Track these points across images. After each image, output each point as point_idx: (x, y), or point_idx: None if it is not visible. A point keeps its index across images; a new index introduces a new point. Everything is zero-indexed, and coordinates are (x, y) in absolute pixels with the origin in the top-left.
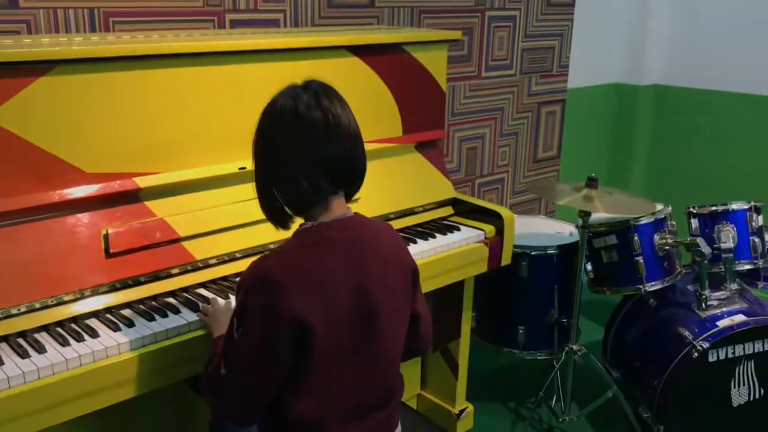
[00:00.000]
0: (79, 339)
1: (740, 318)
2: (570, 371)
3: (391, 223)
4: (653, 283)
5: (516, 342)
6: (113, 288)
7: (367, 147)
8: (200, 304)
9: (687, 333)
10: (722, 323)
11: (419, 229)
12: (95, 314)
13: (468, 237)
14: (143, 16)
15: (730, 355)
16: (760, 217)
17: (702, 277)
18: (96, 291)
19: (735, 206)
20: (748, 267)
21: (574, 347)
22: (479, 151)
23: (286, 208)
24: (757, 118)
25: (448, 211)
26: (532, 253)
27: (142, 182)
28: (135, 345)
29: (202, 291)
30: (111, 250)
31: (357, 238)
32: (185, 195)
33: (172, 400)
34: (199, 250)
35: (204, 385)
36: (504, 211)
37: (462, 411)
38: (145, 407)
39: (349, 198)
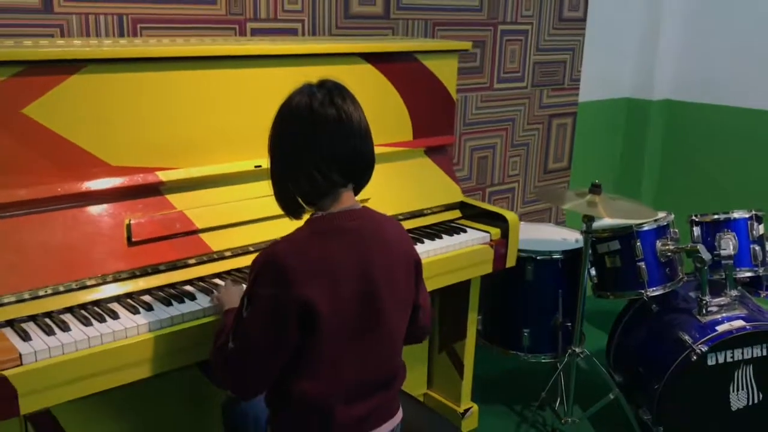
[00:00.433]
0: (101, 320)
1: (739, 323)
2: (573, 373)
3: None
4: (655, 289)
5: (521, 345)
6: (133, 275)
7: (378, 150)
8: (215, 291)
9: (687, 337)
10: (721, 328)
11: (427, 230)
12: (117, 299)
13: (474, 238)
14: (169, 22)
15: (729, 360)
16: (761, 226)
17: (703, 284)
18: (117, 277)
19: (736, 215)
20: (748, 274)
21: (577, 350)
22: (490, 160)
23: (299, 199)
24: (765, 133)
25: (456, 214)
26: (538, 257)
27: (164, 176)
28: (153, 327)
29: (217, 281)
30: (133, 239)
31: (364, 228)
32: (204, 190)
33: (186, 382)
34: (216, 242)
35: (212, 356)
36: (509, 215)
37: (467, 410)
38: (160, 389)
39: (358, 191)
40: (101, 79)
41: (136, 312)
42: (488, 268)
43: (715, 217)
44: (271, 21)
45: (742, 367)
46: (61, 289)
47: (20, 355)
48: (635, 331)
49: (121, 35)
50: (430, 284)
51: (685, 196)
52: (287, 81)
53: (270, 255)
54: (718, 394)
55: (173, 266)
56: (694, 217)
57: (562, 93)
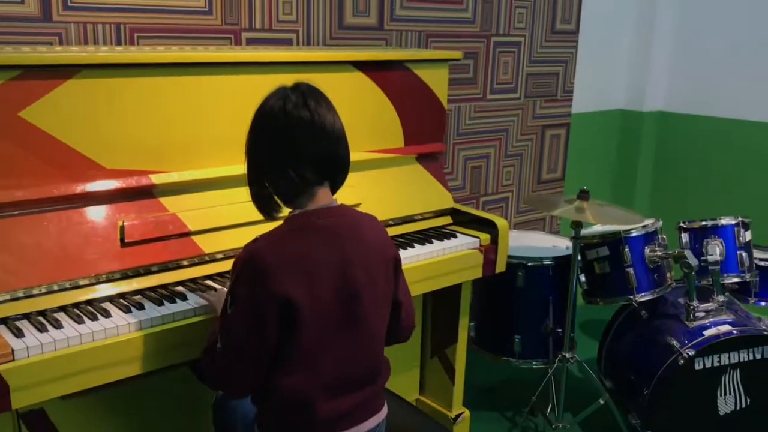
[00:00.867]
0: (94, 318)
1: (726, 328)
2: (563, 379)
3: (390, 229)
4: (643, 294)
5: (512, 351)
6: (126, 276)
7: (370, 156)
8: (208, 293)
9: (675, 342)
10: (708, 332)
11: (417, 235)
12: (109, 299)
13: (464, 243)
14: (166, 32)
15: (716, 364)
16: (748, 233)
17: (690, 289)
18: (111, 278)
19: (723, 221)
20: (735, 280)
21: (567, 355)
22: (484, 170)
23: (276, 199)
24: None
25: (447, 220)
26: (529, 264)
27: (157, 179)
28: (144, 325)
29: (209, 282)
30: (126, 240)
31: (340, 225)
32: (197, 193)
33: (178, 382)
34: (208, 244)
35: (203, 357)
36: (499, 220)
37: (458, 416)
38: (152, 389)
39: (334, 190)
40: (96, 83)
41: (128, 311)
42: (478, 273)
43: (703, 223)
44: (266, 31)
45: (729, 371)
46: (56, 288)
47: (12, 350)
48: (625, 337)
49: (119, 44)
50: (420, 288)
51: (677, 206)
52: None
53: (249, 253)
54: (706, 398)
55: (166, 267)
56: (682, 224)
57: (556, 104)
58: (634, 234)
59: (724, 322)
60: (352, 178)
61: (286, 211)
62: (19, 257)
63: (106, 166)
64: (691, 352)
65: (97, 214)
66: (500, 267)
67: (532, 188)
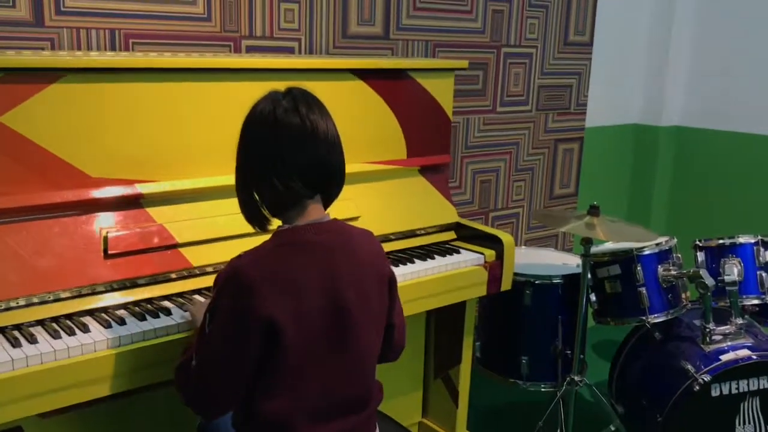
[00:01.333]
0: (71, 333)
1: (745, 352)
2: (572, 403)
3: (391, 244)
4: (656, 315)
5: (519, 372)
6: (111, 288)
7: (370, 168)
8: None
9: (690, 366)
10: (726, 357)
11: (419, 250)
12: (90, 312)
13: (467, 260)
14: (162, 38)
15: (734, 391)
16: None
17: (706, 311)
18: (93, 290)
19: (742, 240)
20: (755, 302)
21: (576, 378)
22: (493, 184)
23: (263, 211)
24: None
25: (451, 235)
26: (537, 282)
27: (144, 189)
28: (124, 341)
29: (197, 297)
30: (110, 252)
31: (332, 242)
32: (186, 203)
33: (163, 399)
34: (196, 257)
35: (175, 374)
36: (504, 236)
37: None
38: (137, 405)
39: (328, 203)
40: (82, 89)
41: (108, 326)
42: (482, 291)
43: (720, 241)
44: (267, 39)
45: (749, 399)
46: (35, 300)
47: None
48: (638, 360)
49: (113, 51)
50: (421, 305)
51: (695, 224)
52: None
53: (232, 269)
54: (724, 427)
55: (151, 281)
56: (698, 242)
57: (568, 118)
58: (646, 252)
59: (743, 347)
60: (350, 190)
61: (277, 223)
62: None
63: (91, 175)
64: (707, 378)
65: (80, 224)
66: (506, 285)
67: (543, 204)
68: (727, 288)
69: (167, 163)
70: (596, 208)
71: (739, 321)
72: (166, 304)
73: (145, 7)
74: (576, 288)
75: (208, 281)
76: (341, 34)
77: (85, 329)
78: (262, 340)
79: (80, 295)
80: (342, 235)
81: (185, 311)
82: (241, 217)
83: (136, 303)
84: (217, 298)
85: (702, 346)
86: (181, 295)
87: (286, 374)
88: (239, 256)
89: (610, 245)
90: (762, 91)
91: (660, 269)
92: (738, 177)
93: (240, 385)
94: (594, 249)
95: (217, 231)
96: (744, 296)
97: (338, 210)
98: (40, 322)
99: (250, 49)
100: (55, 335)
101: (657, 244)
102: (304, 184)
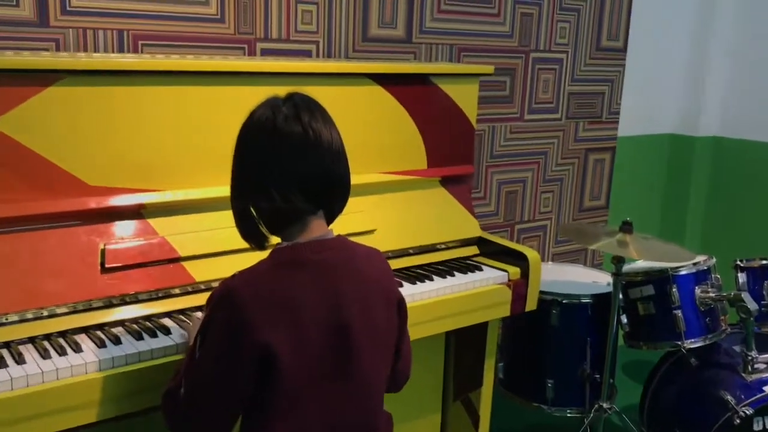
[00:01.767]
0: (62, 353)
1: None
2: (600, 431)
3: (409, 259)
4: (693, 340)
5: (544, 396)
6: (109, 304)
7: (386, 178)
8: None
9: (729, 397)
10: None
11: (439, 266)
12: (85, 329)
13: (489, 277)
14: (173, 40)
15: None
16: None
17: (748, 336)
18: (89, 306)
19: None
20: None
21: (605, 405)
22: (520, 195)
23: (261, 227)
24: None
25: (473, 250)
26: (564, 301)
27: (145, 198)
28: (117, 363)
29: (199, 314)
30: (107, 265)
31: (335, 261)
32: (189, 215)
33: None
34: (199, 271)
35: (162, 400)
36: (529, 252)
37: None
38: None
39: (331, 219)
40: (80, 92)
41: (101, 345)
42: (505, 311)
43: (764, 262)
44: (283, 41)
45: None
46: (29, 316)
47: None
48: (672, 387)
49: (121, 52)
50: (439, 327)
51: (733, 241)
52: None
53: (225, 289)
54: None
55: (152, 296)
56: (739, 262)
57: (600, 126)
58: (683, 272)
59: None
60: (366, 201)
61: (276, 240)
62: None
63: (89, 183)
64: (749, 411)
65: (76, 235)
66: (531, 305)
67: (572, 216)
68: None
69: (171, 171)
70: (629, 224)
71: None
72: (166, 321)
73: (155, 7)
74: (606, 308)
75: None
76: (361, 37)
77: (77, 348)
78: (256, 366)
79: (75, 311)
80: (346, 253)
81: (183, 330)
82: None
83: (135, 320)
84: (208, 322)
85: (743, 374)
86: (182, 312)
87: (282, 407)
88: (233, 276)
89: (643, 263)
90: None
91: (697, 291)
92: None
93: (231, 415)
94: (626, 267)
95: (222, 244)
96: None
97: (352, 223)
98: (32, 340)
99: (265, 52)
100: (45, 354)
101: (694, 264)
102: (305, 198)
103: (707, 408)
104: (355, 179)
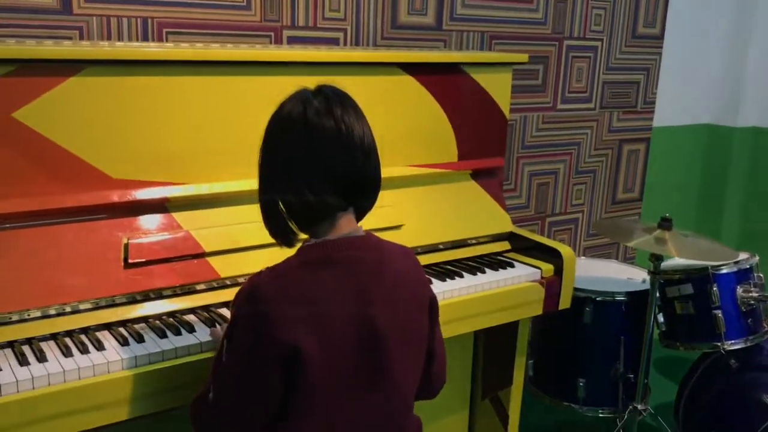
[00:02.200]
0: (84, 351)
1: None
2: None
3: (439, 254)
4: (734, 342)
5: (575, 396)
6: (132, 300)
7: (415, 171)
8: (217, 324)
9: None
10: None
11: (469, 262)
12: (108, 326)
13: (522, 275)
14: (198, 28)
15: None
16: None
17: None
18: (112, 302)
19: None
20: None
21: (639, 407)
22: (551, 187)
23: (290, 224)
24: None
25: (504, 246)
26: (598, 298)
27: (170, 192)
28: (140, 362)
29: (224, 311)
30: (130, 260)
31: (364, 259)
32: (215, 208)
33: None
34: (224, 267)
35: (192, 406)
36: (564, 249)
37: None
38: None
39: (361, 216)
40: (104, 82)
41: (124, 343)
42: (538, 309)
43: None
44: (311, 29)
45: None
46: (52, 312)
47: None
48: (710, 389)
49: (146, 41)
50: (468, 326)
51: None
52: None
53: (251, 288)
54: None
55: (176, 292)
56: None
57: (635, 116)
58: (724, 270)
59: None
60: (394, 195)
61: (304, 237)
62: (9, 276)
63: (113, 176)
64: None
65: (99, 230)
66: (564, 303)
67: (605, 209)
68: None
69: (196, 164)
70: (668, 221)
71: None
72: (191, 318)
73: None
74: (641, 306)
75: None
76: (390, 24)
77: (99, 346)
78: (283, 366)
79: (98, 307)
80: (376, 251)
81: (210, 335)
82: None
83: (158, 317)
84: (234, 323)
85: None
86: (207, 308)
87: (310, 412)
88: (259, 273)
89: (680, 260)
90: None
91: (739, 290)
92: None
93: (260, 422)
94: (663, 264)
95: (247, 239)
96: None
97: (379, 218)
98: (54, 336)
99: (292, 40)
100: (67, 352)
101: (736, 262)
102: (336, 194)
103: (748, 412)
104: (383, 172)
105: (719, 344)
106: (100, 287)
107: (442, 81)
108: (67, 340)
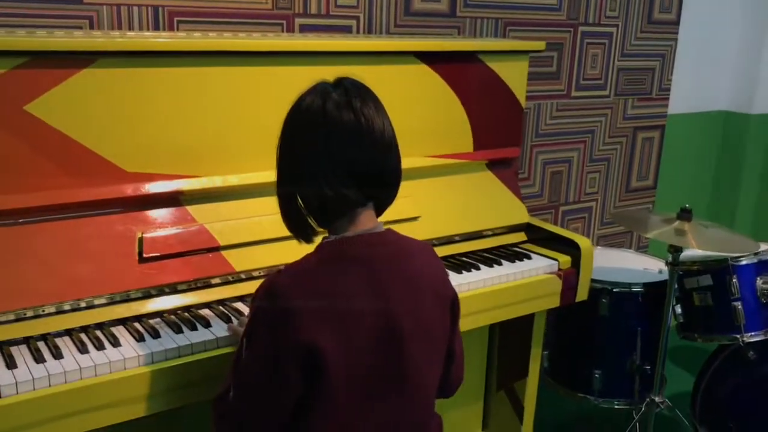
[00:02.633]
0: (99, 347)
1: None
2: (651, 425)
3: (455, 246)
4: (753, 334)
5: (591, 387)
6: (147, 295)
7: (431, 162)
8: (233, 318)
9: None
10: None
11: (485, 254)
12: (123, 321)
13: (539, 267)
14: (209, 16)
15: None
16: None
17: None
18: (127, 297)
19: None
20: None
21: (657, 399)
22: (565, 175)
23: (309, 219)
24: None
25: (521, 237)
26: (615, 289)
27: (184, 185)
28: (156, 358)
29: (239, 305)
30: (145, 255)
31: (385, 256)
32: (230, 201)
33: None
34: (239, 260)
35: (212, 406)
36: (582, 241)
37: None
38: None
39: (381, 211)
40: (116, 74)
41: (140, 339)
42: (555, 302)
43: None
44: (323, 17)
45: None
46: (66, 308)
47: None
48: (728, 381)
49: (156, 29)
50: (484, 319)
51: None
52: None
53: (270, 286)
54: None
55: (190, 287)
56: None
57: (650, 103)
58: (744, 262)
59: None
60: (410, 186)
61: (323, 233)
62: (23, 271)
63: (126, 169)
64: None
65: (113, 224)
66: (581, 295)
67: (619, 198)
68: None
69: (210, 156)
70: (688, 212)
71: None
72: (205, 312)
73: None
74: (658, 297)
75: (252, 287)
76: (403, 11)
77: (115, 342)
78: (302, 365)
79: (112, 302)
80: (397, 248)
81: (227, 330)
82: None
83: (173, 311)
84: (253, 321)
85: None
86: (222, 302)
87: (331, 415)
88: (279, 272)
89: (697, 251)
90: None
91: (759, 282)
92: None
93: (280, 421)
94: (681, 255)
95: (263, 232)
96: None
97: (395, 209)
98: (69, 332)
99: (304, 28)
100: (83, 349)
101: (756, 254)
102: (355, 188)
103: (767, 404)
104: None
105: (738, 336)
106: (114, 282)
107: (458, 69)
108: (83, 336)
